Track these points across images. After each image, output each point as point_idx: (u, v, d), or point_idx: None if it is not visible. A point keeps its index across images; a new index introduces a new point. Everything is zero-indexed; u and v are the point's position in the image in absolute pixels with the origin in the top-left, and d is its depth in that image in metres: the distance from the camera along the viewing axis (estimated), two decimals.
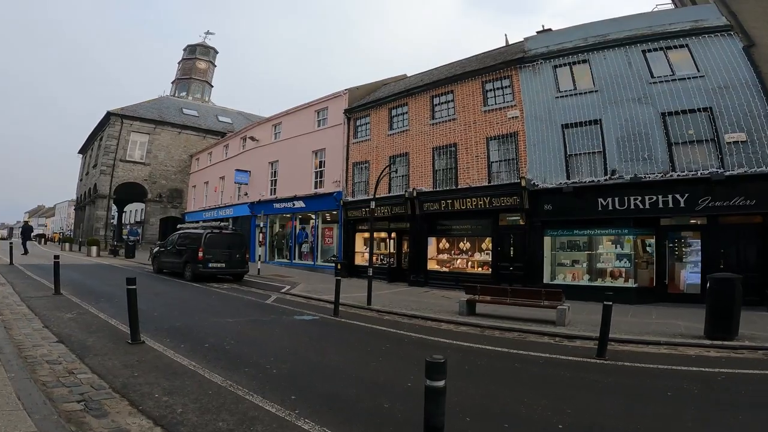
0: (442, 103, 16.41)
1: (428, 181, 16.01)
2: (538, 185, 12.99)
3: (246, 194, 25.51)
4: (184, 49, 53.64)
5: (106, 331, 6.29)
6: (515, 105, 14.20)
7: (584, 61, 13.12)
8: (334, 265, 18.72)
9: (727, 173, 10.39)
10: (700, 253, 11.08)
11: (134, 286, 5.77)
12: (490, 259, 14.07)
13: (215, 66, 55.18)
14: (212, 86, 53.73)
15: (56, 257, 9.26)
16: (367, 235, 18.79)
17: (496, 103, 14.75)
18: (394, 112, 18.20)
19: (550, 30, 15.39)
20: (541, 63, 13.88)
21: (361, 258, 18.60)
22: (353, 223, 18.59)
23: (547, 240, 12.98)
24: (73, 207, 58.73)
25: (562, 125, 13.08)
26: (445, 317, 8.95)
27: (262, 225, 22.88)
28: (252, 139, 25.87)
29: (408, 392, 4.30)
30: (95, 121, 35.55)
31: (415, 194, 15.60)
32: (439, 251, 15.75)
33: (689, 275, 11.32)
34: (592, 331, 6.99)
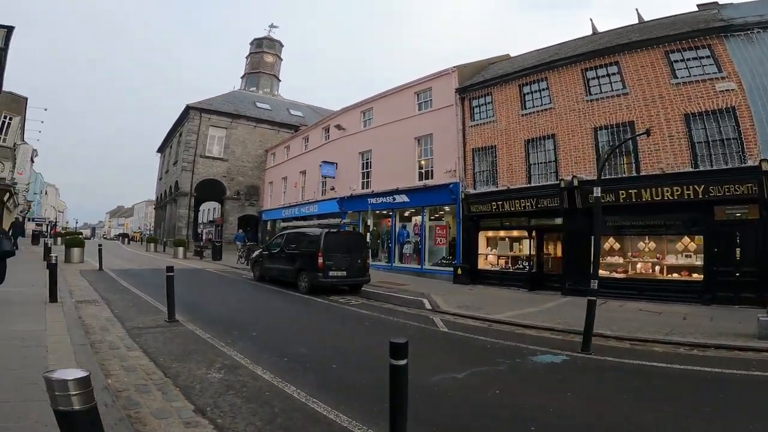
0: (601, 77, 12.93)
1: (588, 167, 12.51)
2: None
3: (333, 189, 23.16)
4: (251, 43, 53.12)
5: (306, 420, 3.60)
6: (726, 77, 10.62)
7: None
8: (452, 270, 15.82)
9: None
10: None
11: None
12: (700, 263, 10.43)
13: (281, 59, 54.25)
14: (280, 80, 52.84)
15: (169, 270, 6.88)
16: (492, 233, 15.70)
17: (691, 75, 11.19)
18: (527, 89, 14.83)
19: None
20: (759, 32, 10.35)
21: (484, 261, 15.48)
22: (476, 220, 15.44)
23: None
24: (152, 206, 60.50)
25: None
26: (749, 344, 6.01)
27: (352, 223, 20.45)
28: (338, 128, 23.45)
29: None
30: (168, 122, 35.15)
31: (575, 183, 12.16)
32: (607, 253, 12.23)
33: None
34: None
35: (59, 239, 30.36)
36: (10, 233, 9.79)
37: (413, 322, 8.31)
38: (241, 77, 52.00)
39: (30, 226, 49.94)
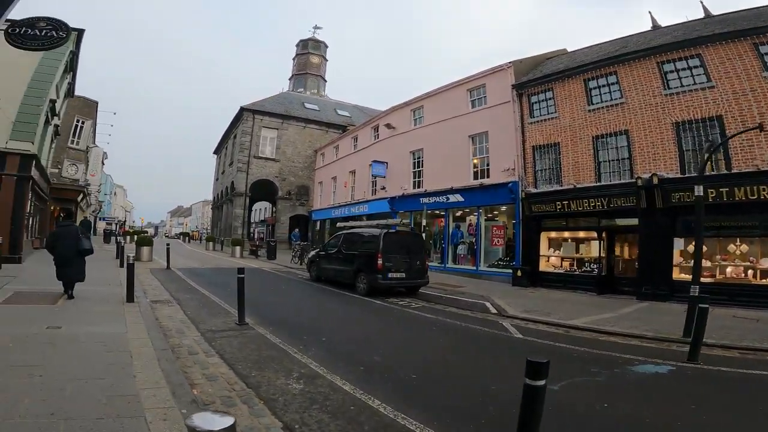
0: (681, 69, 11.83)
1: (669, 164, 11.46)
2: None
3: (383, 188, 22.98)
4: (297, 45, 54.16)
5: None
6: None
7: None
8: (509, 271, 15.14)
9: None
10: None
11: None
12: None
13: (326, 60, 54.88)
14: (326, 81, 53.49)
15: (240, 273, 6.87)
16: (554, 234, 14.85)
17: None
18: (593, 84, 13.89)
19: None
20: None
21: (546, 263, 14.67)
22: (537, 220, 14.67)
23: None
24: (208, 206, 63.42)
25: None
26: None
27: (404, 223, 20.15)
28: (388, 126, 23.22)
29: None
30: (220, 123, 36.48)
31: (655, 181, 11.15)
32: (691, 256, 11.11)
33: None
34: None
35: (128, 238, 32.32)
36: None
37: (482, 327, 7.90)
38: (289, 78, 53.16)
39: (101, 225, 53.82)
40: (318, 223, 32.52)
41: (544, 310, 9.62)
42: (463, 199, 17.61)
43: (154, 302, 8.10)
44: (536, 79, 15.55)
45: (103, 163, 37.12)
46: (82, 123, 28.30)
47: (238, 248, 22.08)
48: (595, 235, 13.33)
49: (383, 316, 8.73)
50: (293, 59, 54.06)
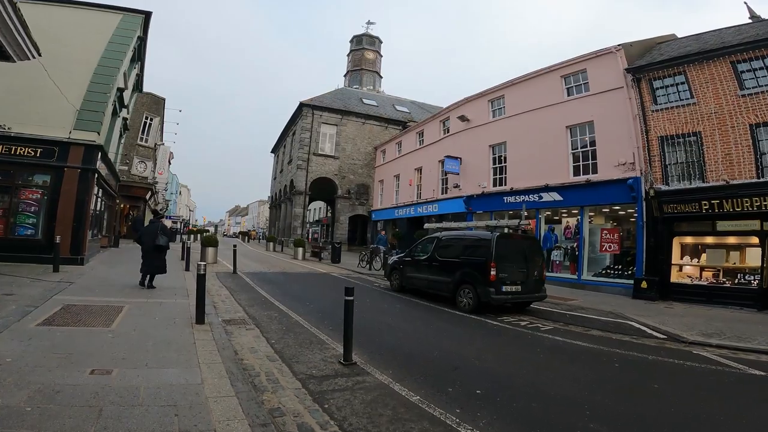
0: None
1: None
2: None
3: (456, 186, 20.77)
4: (351, 41, 53.01)
5: None
6: None
7: None
8: (625, 282, 12.62)
9: None
10: None
11: None
12: None
13: (381, 56, 53.29)
14: (381, 77, 51.94)
15: (348, 294, 4.91)
16: (691, 240, 11.99)
17: None
18: (743, 67, 10.99)
19: None
20: None
21: (678, 273, 11.93)
22: (668, 223, 11.93)
23: None
24: (264, 206, 63.88)
25: None
26: None
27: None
28: (462, 119, 20.96)
29: None
30: (274, 122, 35.77)
31: None
32: None
33: None
34: None
35: (191, 237, 32.18)
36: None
37: (672, 359, 5.81)
38: (344, 75, 52.14)
39: (167, 224, 55.36)
40: (378, 223, 30.85)
41: (726, 332, 7.22)
42: (561, 198, 15.07)
43: (227, 323, 6.49)
44: (661, 62, 12.77)
45: (169, 162, 37.54)
46: (151, 120, 28.34)
47: (300, 250, 20.72)
48: (754, 240, 10.49)
49: (518, 344, 6.60)
50: (347, 56, 53.00)
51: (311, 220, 48.40)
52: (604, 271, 13.95)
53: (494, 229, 9.74)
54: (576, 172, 15.02)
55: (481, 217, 18.89)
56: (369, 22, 53.87)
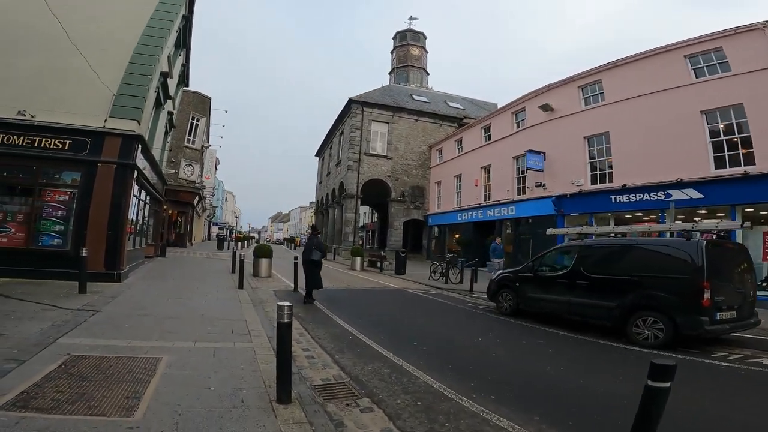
0: None
1: None
2: None
3: (540, 185, 17.74)
4: (394, 38, 50.83)
5: None
6: None
7: None
8: None
9: None
10: None
11: None
12: None
13: (427, 52, 50.71)
14: (428, 73, 49.38)
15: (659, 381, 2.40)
16: None
17: None
18: None
19: None
20: None
21: None
22: None
23: None
24: (306, 212, 62.45)
25: None
26: None
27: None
28: (544, 108, 17.97)
29: None
30: (316, 127, 33.86)
31: None
32: None
33: None
34: None
35: (238, 243, 30.57)
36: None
37: None
38: (389, 73, 50.02)
39: (214, 231, 54.95)
40: (436, 228, 28.11)
41: None
42: (701, 196, 11.89)
43: (322, 392, 3.99)
44: None
45: (216, 168, 36.38)
46: (197, 120, 27.00)
47: (359, 259, 18.29)
48: None
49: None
50: (391, 53, 50.89)
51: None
52: (764, 284, 10.68)
53: (687, 233, 6.81)
54: (717, 165, 11.83)
55: (575, 220, 15.89)
56: (411, 18, 51.43)
